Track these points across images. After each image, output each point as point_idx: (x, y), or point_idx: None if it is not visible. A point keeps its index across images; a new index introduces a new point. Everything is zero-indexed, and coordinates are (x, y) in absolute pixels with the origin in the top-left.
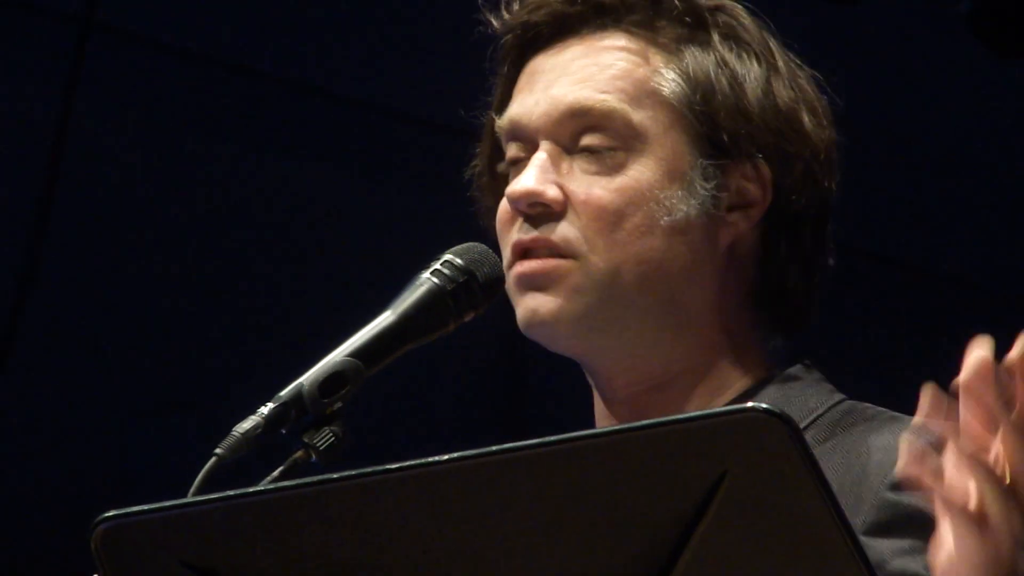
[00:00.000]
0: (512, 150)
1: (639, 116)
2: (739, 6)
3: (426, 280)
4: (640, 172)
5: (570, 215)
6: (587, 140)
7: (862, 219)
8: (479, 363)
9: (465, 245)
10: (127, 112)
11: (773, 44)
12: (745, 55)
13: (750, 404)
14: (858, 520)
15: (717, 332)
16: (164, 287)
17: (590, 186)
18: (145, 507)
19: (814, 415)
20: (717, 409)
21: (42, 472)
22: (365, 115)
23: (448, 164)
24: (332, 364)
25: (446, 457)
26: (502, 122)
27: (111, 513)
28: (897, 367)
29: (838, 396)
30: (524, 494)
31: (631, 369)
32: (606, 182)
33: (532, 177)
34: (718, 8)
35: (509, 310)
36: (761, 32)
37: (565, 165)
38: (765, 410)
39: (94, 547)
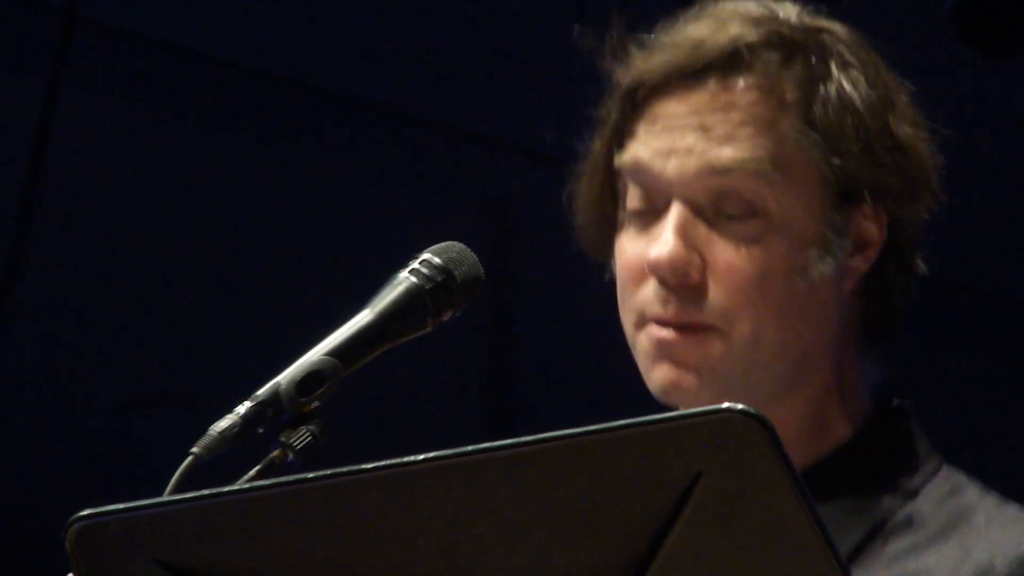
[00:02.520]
0: (635, 195)
1: (778, 176)
2: (840, 26)
3: (404, 279)
4: (780, 239)
5: (712, 286)
6: (724, 204)
7: None
8: (462, 361)
9: (443, 244)
10: (112, 106)
11: (881, 65)
12: (861, 83)
13: (726, 405)
14: None
15: (830, 373)
16: (149, 281)
17: (731, 255)
18: (120, 506)
19: (918, 489)
20: (693, 410)
21: (23, 467)
22: (353, 111)
23: (433, 163)
24: (309, 363)
25: (422, 457)
26: (624, 159)
27: (85, 512)
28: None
29: (935, 459)
30: (501, 494)
31: None
32: (747, 251)
33: (673, 244)
34: (827, 31)
35: (493, 309)
36: (867, 53)
37: (702, 229)
38: (741, 411)
39: (68, 546)
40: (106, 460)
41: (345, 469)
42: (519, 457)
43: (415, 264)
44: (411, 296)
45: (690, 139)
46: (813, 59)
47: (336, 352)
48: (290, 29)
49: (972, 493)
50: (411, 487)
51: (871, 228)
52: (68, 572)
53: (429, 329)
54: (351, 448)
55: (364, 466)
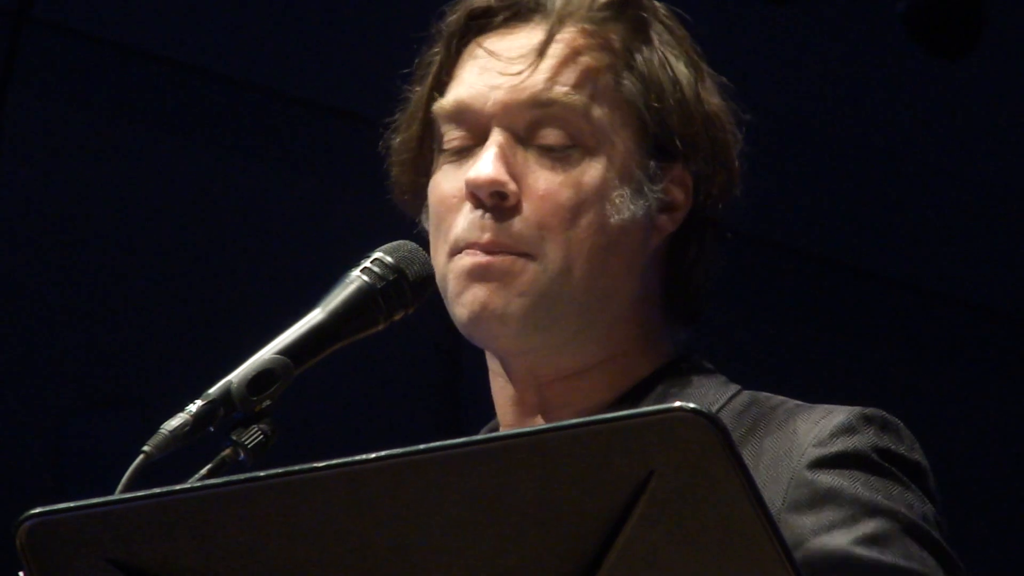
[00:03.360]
0: (453, 133)
1: (598, 113)
2: (661, 5)
3: (356, 278)
4: (595, 170)
5: (525, 209)
6: (544, 134)
7: (800, 219)
8: (412, 360)
9: (395, 243)
10: (61, 106)
11: (692, 42)
12: (679, 55)
13: (678, 404)
14: (777, 501)
15: (633, 325)
16: (99, 281)
17: (547, 181)
18: (71, 504)
19: (716, 405)
20: (644, 409)
21: None
22: (302, 111)
23: (384, 162)
24: (261, 362)
25: (373, 456)
26: (445, 102)
27: (36, 510)
28: (846, 369)
29: (734, 387)
30: (451, 493)
31: (554, 363)
32: (563, 178)
33: (492, 164)
34: (650, 7)
35: (442, 307)
36: (680, 29)
37: (520, 156)
38: (693, 410)
39: (19, 544)
40: (56, 460)
41: (297, 468)
42: (471, 456)
43: (367, 263)
44: (363, 295)
45: (513, 70)
46: (637, 22)
47: (287, 351)
48: (247, 32)
49: (771, 400)
50: (363, 486)
51: (678, 192)
52: (19, 571)
53: (381, 328)
54: (302, 447)
55: (316, 464)
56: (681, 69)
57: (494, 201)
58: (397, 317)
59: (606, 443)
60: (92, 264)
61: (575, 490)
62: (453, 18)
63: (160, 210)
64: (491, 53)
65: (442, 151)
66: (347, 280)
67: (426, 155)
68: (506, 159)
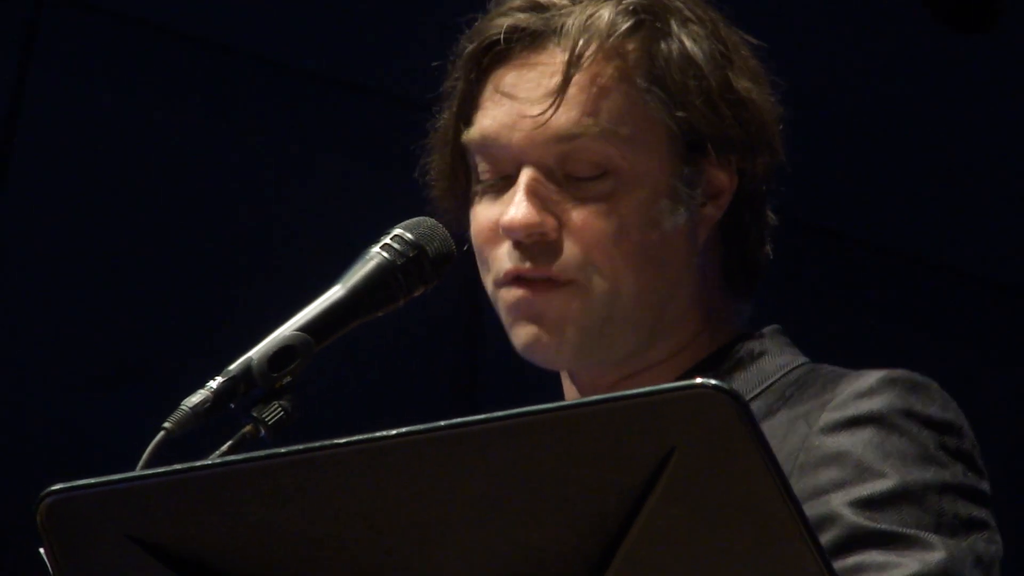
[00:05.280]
0: (484, 166)
1: (625, 133)
2: None
3: (376, 255)
4: (631, 194)
5: (567, 244)
6: (574, 166)
7: (816, 195)
8: (432, 335)
9: (415, 220)
10: (83, 82)
11: (720, 21)
12: (701, 39)
13: (699, 380)
14: (788, 467)
15: (695, 316)
16: (120, 256)
17: (584, 213)
18: (91, 481)
19: (772, 379)
20: (666, 385)
21: None
22: (323, 88)
23: (403, 138)
24: (282, 338)
25: (393, 432)
26: (472, 134)
27: (57, 487)
28: (848, 343)
29: (801, 359)
30: (472, 469)
31: (618, 371)
32: (599, 208)
33: (525, 207)
34: (671, 5)
35: (461, 283)
36: (704, 11)
37: (554, 191)
38: (714, 386)
39: (40, 521)
40: (78, 435)
41: (317, 444)
42: (491, 432)
43: (387, 239)
44: (383, 271)
45: (535, 108)
46: (654, 19)
47: (308, 327)
48: (271, 7)
49: (825, 370)
50: (383, 462)
51: (721, 177)
52: (40, 547)
53: (401, 304)
54: (323, 423)
55: (336, 441)
56: (706, 56)
57: (533, 240)
58: (417, 293)
59: (627, 419)
60: (114, 238)
61: (597, 466)
62: (470, 48)
63: (183, 185)
64: (510, 96)
65: (479, 181)
66: (367, 257)
67: (461, 180)
68: (539, 197)
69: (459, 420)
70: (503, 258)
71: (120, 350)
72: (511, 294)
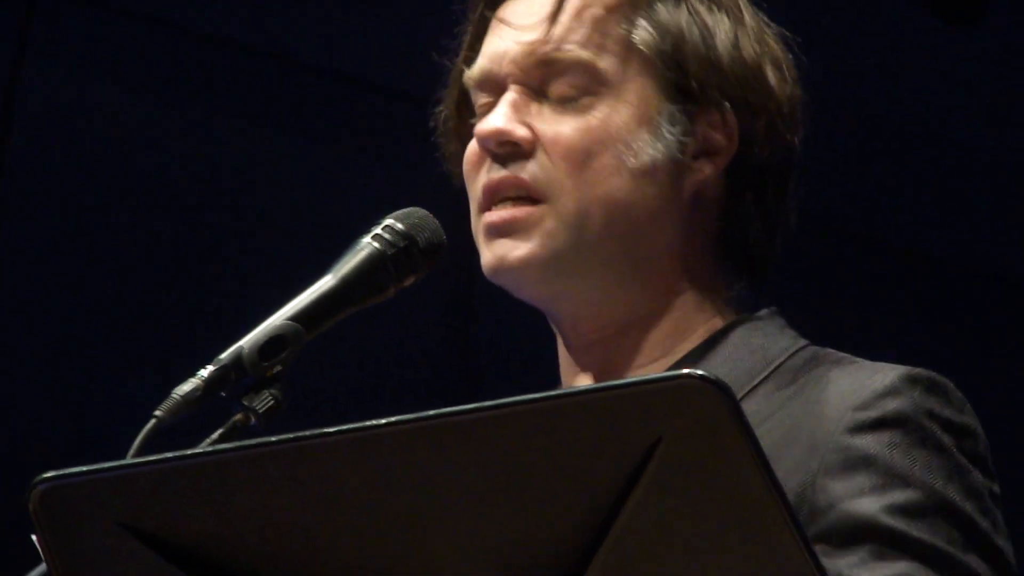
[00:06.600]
0: (481, 99)
1: (605, 63)
2: None
3: (367, 245)
4: (607, 114)
5: (539, 155)
6: (555, 86)
7: (826, 195)
8: (425, 328)
9: (406, 210)
10: (77, 78)
11: (742, 1)
12: (716, 8)
13: (686, 371)
14: (813, 464)
15: (680, 278)
16: (118, 247)
17: (558, 126)
18: (83, 468)
19: (776, 362)
20: (653, 375)
21: None
22: (316, 79)
23: (395, 130)
24: (272, 327)
25: (384, 421)
26: (472, 73)
27: (49, 474)
28: (851, 338)
29: (802, 341)
30: (462, 458)
31: (596, 314)
32: (574, 122)
33: (501, 116)
34: None
35: (456, 276)
36: None
37: (534, 107)
38: (701, 376)
39: (32, 508)
40: (68, 423)
41: (308, 433)
42: (481, 422)
43: (378, 230)
44: (373, 261)
45: (526, 34)
46: None
47: (299, 317)
48: (265, 0)
49: (830, 356)
50: (374, 451)
51: (718, 137)
52: (32, 534)
53: (391, 294)
54: (314, 412)
55: (327, 430)
56: (715, 19)
57: (505, 150)
58: (408, 283)
59: (614, 409)
60: (110, 229)
61: (585, 455)
62: None
63: (179, 176)
64: (507, 24)
65: (475, 115)
66: (358, 247)
67: (465, 126)
68: (518, 111)
69: (448, 409)
70: (480, 180)
71: (119, 341)
72: (486, 218)
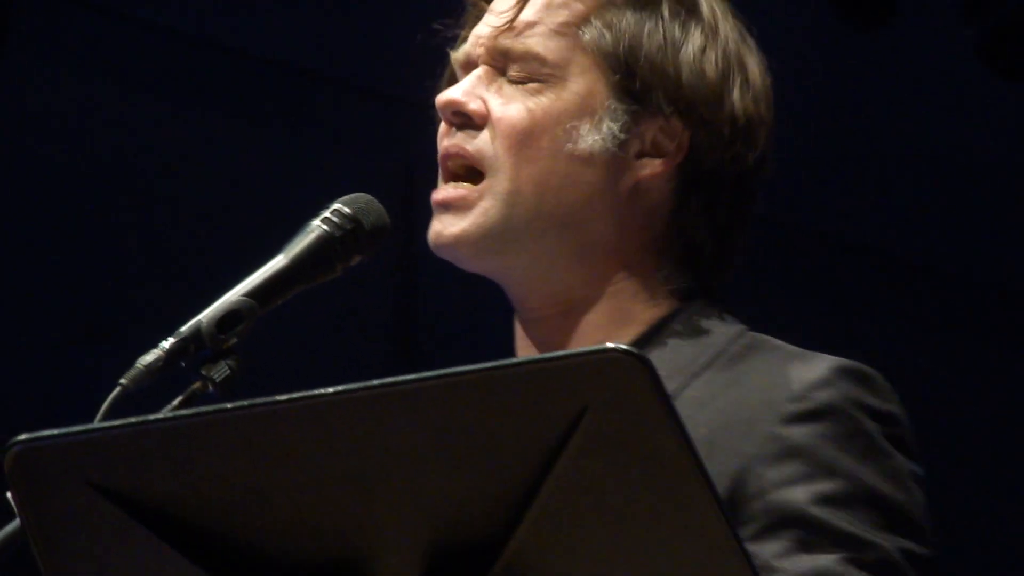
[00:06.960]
0: (462, 78)
1: (555, 55)
2: None
3: (316, 227)
4: (552, 100)
5: (487, 130)
6: (511, 70)
7: (841, 211)
8: (370, 306)
9: (352, 196)
10: (56, 73)
11: (727, 25)
12: (693, 25)
13: (610, 345)
14: (750, 450)
15: (616, 267)
16: (81, 225)
17: (507, 105)
18: (54, 432)
19: (717, 348)
20: (580, 349)
21: None
22: (269, 74)
23: (345, 120)
24: (229, 303)
25: (332, 390)
26: (457, 55)
27: (22, 437)
28: (849, 343)
29: (741, 327)
30: (404, 424)
31: (537, 290)
32: (520, 104)
33: (459, 88)
34: None
35: (398, 256)
36: (715, 11)
37: (495, 85)
38: (624, 351)
39: (7, 468)
40: (38, 391)
41: (261, 400)
42: (422, 391)
43: (326, 213)
44: (322, 242)
45: (497, 23)
46: None
47: (253, 293)
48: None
49: (768, 343)
50: (323, 417)
51: (667, 142)
52: (6, 491)
53: (339, 273)
54: (268, 381)
55: (279, 398)
56: (685, 36)
57: (459, 120)
58: (354, 263)
59: (544, 380)
60: (76, 209)
61: (517, 423)
62: None
63: (143, 161)
64: (487, 10)
65: None
66: (308, 229)
67: None
68: (479, 86)
69: (391, 379)
70: (440, 145)
71: (81, 313)
72: (433, 195)
